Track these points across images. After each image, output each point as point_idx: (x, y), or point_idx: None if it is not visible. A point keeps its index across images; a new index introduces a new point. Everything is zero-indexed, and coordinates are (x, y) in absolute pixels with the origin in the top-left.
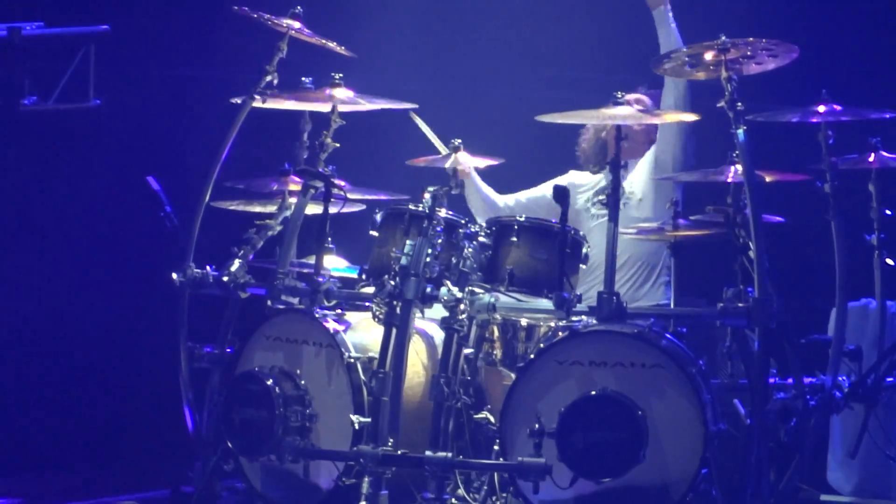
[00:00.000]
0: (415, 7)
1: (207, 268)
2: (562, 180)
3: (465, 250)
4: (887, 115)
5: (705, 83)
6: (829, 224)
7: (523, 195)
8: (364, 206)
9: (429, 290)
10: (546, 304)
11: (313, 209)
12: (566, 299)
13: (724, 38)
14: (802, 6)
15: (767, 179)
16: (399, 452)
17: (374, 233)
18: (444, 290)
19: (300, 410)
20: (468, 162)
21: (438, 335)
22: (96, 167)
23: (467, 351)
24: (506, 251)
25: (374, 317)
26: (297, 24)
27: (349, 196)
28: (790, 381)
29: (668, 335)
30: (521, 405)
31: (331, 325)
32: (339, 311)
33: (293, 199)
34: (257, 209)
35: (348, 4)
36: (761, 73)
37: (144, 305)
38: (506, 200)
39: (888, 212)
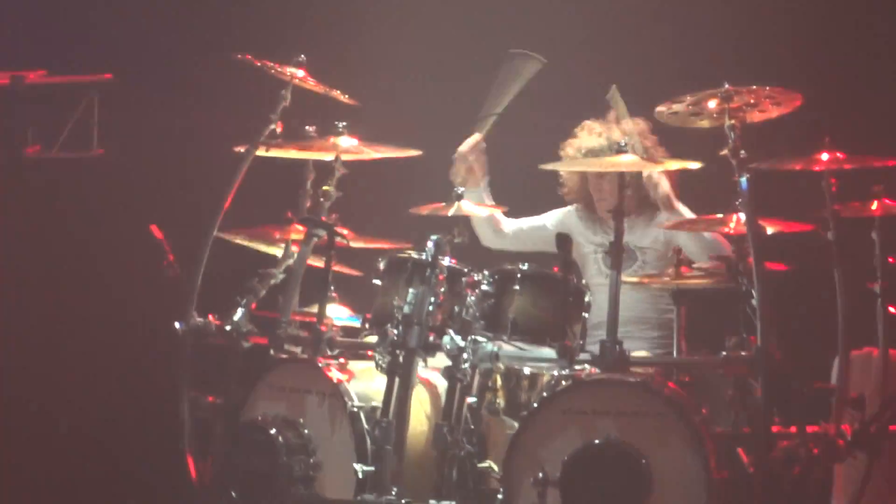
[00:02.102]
0: (419, 55)
1: (210, 317)
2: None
3: (468, 299)
4: (891, 163)
5: (708, 131)
6: (833, 272)
7: (525, 223)
8: (361, 274)
9: (431, 338)
10: (549, 352)
11: (316, 260)
12: (569, 348)
13: (727, 85)
14: (806, 54)
15: (770, 228)
16: (403, 502)
17: (377, 281)
18: (446, 338)
19: (304, 459)
20: (472, 211)
21: (441, 384)
22: (99, 216)
23: (470, 400)
24: (508, 299)
25: (377, 366)
26: (300, 73)
27: (352, 244)
28: (793, 429)
29: (671, 384)
30: (525, 454)
31: (334, 374)
32: (342, 360)
33: (296, 248)
34: (262, 248)
35: (352, 53)
36: (764, 121)
37: (146, 354)
38: (511, 227)
39: (892, 259)
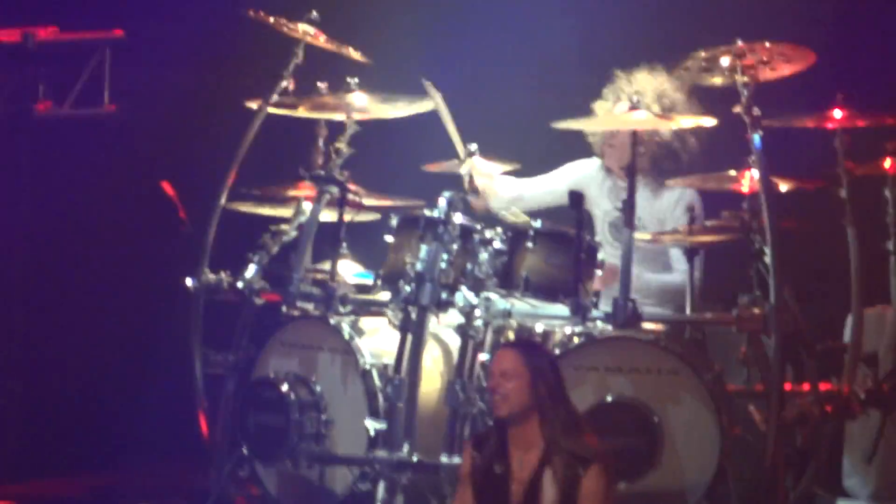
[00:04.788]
0: (430, 12)
1: (222, 273)
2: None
3: (481, 256)
4: None
5: (721, 88)
6: (845, 230)
7: (541, 182)
8: (378, 216)
9: (444, 295)
10: (562, 309)
11: (328, 216)
12: (582, 305)
13: (739, 42)
14: (818, 11)
15: (783, 186)
16: (414, 458)
17: (390, 238)
18: (459, 295)
19: (315, 416)
20: (485, 169)
21: (454, 341)
22: (111, 172)
23: (483, 357)
24: (521, 257)
25: (390, 323)
26: (312, 30)
27: (364, 202)
28: (806, 387)
29: (684, 341)
30: None
31: (346, 331)
32: (354, 316)
33: (308, 205)
34: (269, 212)
35: (364, 9)
36: (777, 78)
37: (159, 311)
38: (530, 190)
39: None
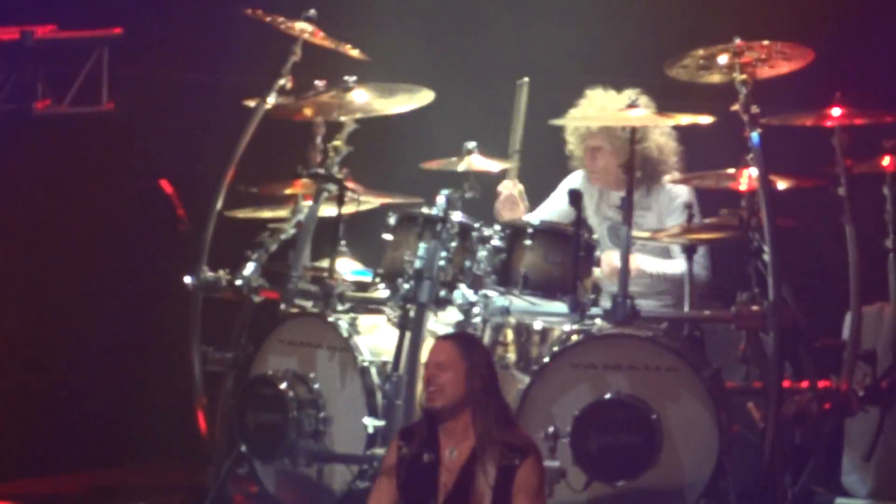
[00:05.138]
0: (428, 9)
1: (220, 271)
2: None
3: (479, 253)
4: None
5: (719, 86)
6: (844, 227)
7: (548, 208)
8: (378, 204)
9: (442, 293)
10: (560, 307)
11: (327, 212)
12: (580, 303)
13: (738, 40)
14: (817, 9)
15: (781, 184)
16: None
17: (388, 236)
18: (457, 293)
19: (314, 414)
20: (483, 166)
21: None
22: (109, 170)
23: None
24: (520, 254)
25: (388, 320)
26: (310, 28)
27: (362, 199)
28: (805, 384)
29: (682, 338)
30: (536, 409)
31: (344, 328)
32: (352, 314)
33: (306, 203)
34: (268, 215)
35: (361, 7)
36: (775, 77)
37: (157, 309)
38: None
39: None
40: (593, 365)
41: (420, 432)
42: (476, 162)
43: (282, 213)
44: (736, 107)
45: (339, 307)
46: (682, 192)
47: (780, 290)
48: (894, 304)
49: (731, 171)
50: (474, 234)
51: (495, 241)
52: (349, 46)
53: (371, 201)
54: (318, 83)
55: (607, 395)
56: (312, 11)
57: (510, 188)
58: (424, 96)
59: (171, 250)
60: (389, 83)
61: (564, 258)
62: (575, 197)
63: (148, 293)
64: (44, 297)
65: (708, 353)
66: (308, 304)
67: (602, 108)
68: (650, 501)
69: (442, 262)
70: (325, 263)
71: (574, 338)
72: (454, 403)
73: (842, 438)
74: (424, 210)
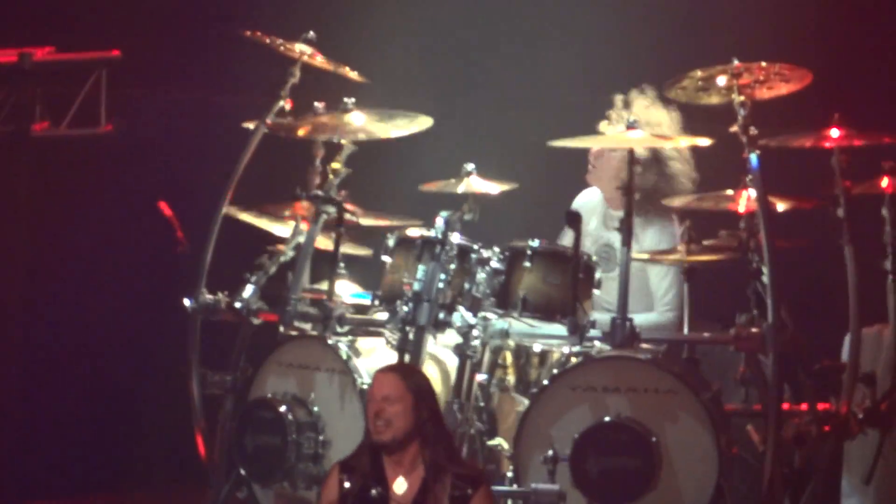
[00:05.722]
0: (427, 32)
1: (219, 294)
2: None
3: (478, 275)
4: None
5: (718, 107)
6: (843, 249)
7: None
8: (370, 252)
9: (441, 315)
10: (559, 329)
11: (325, 240)
12: (579, 325)
13: (736, 62)
14: (815, 30)
15: (780, 205)
16: None
17: (387, 258)
18: (456, 315)
19: (313, 437)
20: (481, 188)
21: (451, 361)
22: (108, 192)
23: (480, 377)
24: (519, 276)
25: (387, 342)
26: (309, 50)
27: (361, 221)
28: (804, 406)
29: (681, 361)
30: (535, 431)
31: (343, 351)
32: (351, 336)
33: (305, 225)
34: (267, 225)
35: (361, 30)
36: (774, 98)
37: (156, 331)
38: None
39: None
40: (593, 387)
41: (362, 465)
42: (475, 184)
43: (281, 228)
44: (735, 128)
45: (339, 330)
46: (672, 234)
47: (780, 312)
48: (893, 326)
49: (730, 192)
50: (473, 256)
51: (494, 263)
52: (348, 68)
53: (365, 248)
54: (318, 105)
55: (607, 418)
56: (311, 33)
57: None
58: (423, 122)
59: (171, 273)
60: (388, 110)
61: (563, 280)
62: (573, 218)
63: (147, 315)
64: (42, 319)
65: (707, 375)
66: (307, 327)
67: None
68: None
69: (441, 285)
70: (324, 286)
71: (573, 360)
72: (403, 435)
73: (841, 461)
74: (423, 232)
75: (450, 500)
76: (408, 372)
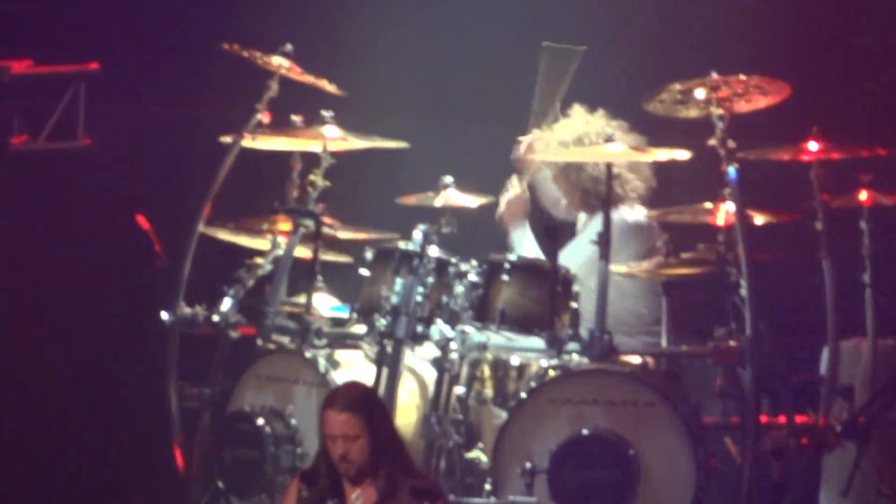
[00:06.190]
0: (405, 45)
1: (197, 307)
2: None
3: (456, 289)
4: (879, 153)
5: (696, 120)
6: (821, 262)
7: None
8: (351, 259)
9: (419, 328)
10: (537, 342)
11: (303, 251)
12: (557, 338)
13: (714, 75)
14: (793, 43)
15: (758, 218)
16: None
17: (365, 271)
18: (434, 328)
19: (291, 450)
20: (459, 201)
21: (430, 374)
22: (86, 206)
23: (458, 390)
24: (497, 290)
25: (365, 356)
26: (286, 63)
27: (339, 235)
28: (782, 419)
29: (659, 374)
30: (513, 444)
31: (321, 364)
32: (329, 349)
33: (283, 239)
34: (245, 242)
35: (338, 43)
36: (752, 111)
37: (134, 345)
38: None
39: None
40: (570, 400)
41: (322, 475)
42: (453, 197)
43: (260, 242)
44: (713, 141)
45: (317, 343)
46: (633, 220)
47: (758, 325)
48: (871, 339)
49: (709, 205)
50: (451, 269)
51: (472, 277)
52: (325, 81)
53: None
54: (295, 118)
55: (585, 431)
56: (289, 46)
57: (516, 196)
58: (399, 144)
59: (148, 286)
60: (364, 133)
61: (541, 293)
62: (550, 231)
63: (124, 329)
64: (17, 333)
65: (686, 388)
66: (285, 340)
67: (587, 122)
68: None
69: (419, 298)
70: (302, 299)
71: (551, 373)
72: (368, 465)
73: (819, 474)
74: (401, 245)
75: None
76: (357, 404)
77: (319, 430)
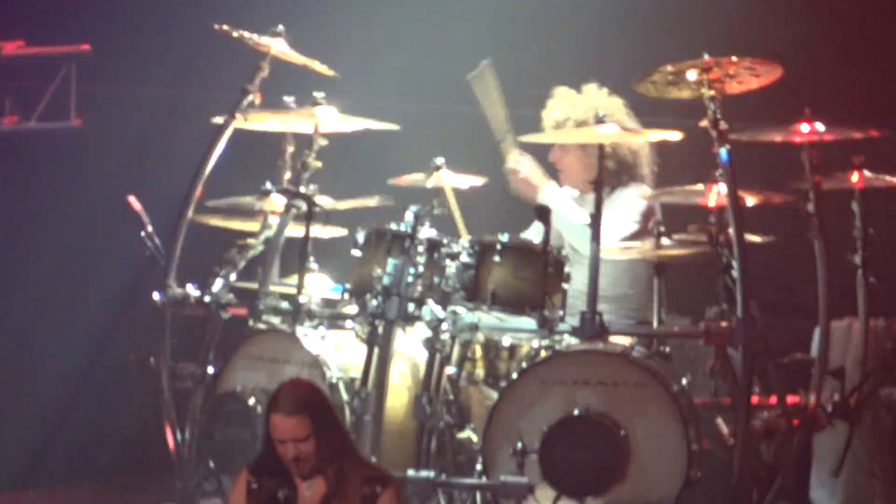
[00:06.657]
0: (397, 26)
1: (189, 287)
2: None
3: (448, 269)
4: (871, 134)
5: (688, 102)
6: (813, 243)
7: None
8: (345, 231)
9: (411, 309)
10: (529, 323)
11: (295, 230)
12: (549, 318)
13: (706, 56)
14: (785, 25)
15: (750, 200)
16: None
17: (356, 252)
18: (426, 309)
19: None
20: (452, 182)
21: (421, 355)
22: (77, 186)
23: (450, 370)
24: (488, 270)
25: (357, 336)
26: (278, 43)
27: (331, 215)
28: (773, 400)
29: (651, 354)
30: (504, 424)
31: (312, 344)
32: (321, 330)
33: (275, 219)
34: (237, 226)
35: (330, 23)
36: (744, 93)
37: (126, 325)
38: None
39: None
40: (562, 381)
41: (270, 466)
42: (445, 178)
43: (251, 225)
44: (705, 123)
45: (308, 323)
46: (640, 199)
47: (749, 305)
48: (863, 320)
49: (700, 186)
50: (443, 250)
51: (464, 258)
52: (317, 62)
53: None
54: (287, 99)
55: (576, 411)
56: (281, 27)
57: (514, 161)
58: (390, 126)
59: (140, 266)
60: (356, 116)
61: (533, 274)
62: (542, 212)
63: (116, 309)
64: (9, 312)
65: (677, 368)
66: (276, 321)
67: (574, 105)
68: None
69: (410, 279)
70: (293, 280)
71: (542, 354)
72: (320, 462)
73: (810, 454)
74: (393, 226)
75: (361, 499)
76: (304, 405)
77: (264, 430)
